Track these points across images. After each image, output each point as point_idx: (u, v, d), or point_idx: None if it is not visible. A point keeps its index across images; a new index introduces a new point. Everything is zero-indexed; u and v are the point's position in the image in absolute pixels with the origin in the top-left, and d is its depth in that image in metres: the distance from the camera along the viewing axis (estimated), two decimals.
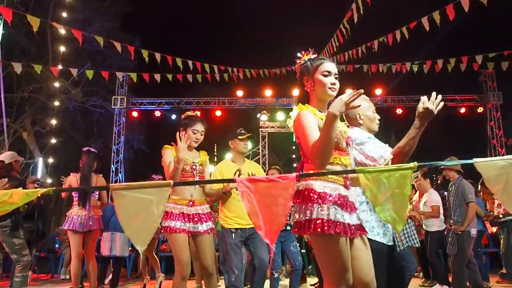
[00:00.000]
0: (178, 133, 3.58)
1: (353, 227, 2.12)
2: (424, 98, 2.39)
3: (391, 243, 2.73)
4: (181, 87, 13.08)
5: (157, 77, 11.47)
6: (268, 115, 15.00)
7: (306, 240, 7.11)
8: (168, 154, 3.56)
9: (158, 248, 8.58)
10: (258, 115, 15.02)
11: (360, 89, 1.98)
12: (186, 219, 3.47)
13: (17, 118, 15.63)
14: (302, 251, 7.08)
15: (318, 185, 2.10)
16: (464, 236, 5.02)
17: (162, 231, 3.51)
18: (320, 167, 2.10)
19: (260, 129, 15.52)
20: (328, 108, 2.09)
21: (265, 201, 1.90)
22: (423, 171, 6.83)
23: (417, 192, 7.11)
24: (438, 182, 7.53)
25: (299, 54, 2.40)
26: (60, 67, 11.56)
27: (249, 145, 4.57)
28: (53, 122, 14.36)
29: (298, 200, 2.11)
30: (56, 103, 14.40)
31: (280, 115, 14.91)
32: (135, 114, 15.58)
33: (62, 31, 9.91)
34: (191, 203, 3.54)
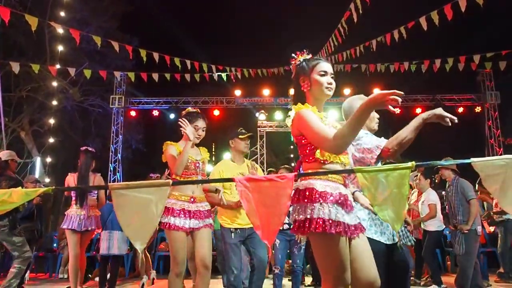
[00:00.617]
0: (179, 121, 3.57)
1: (352, 227, 2.13)
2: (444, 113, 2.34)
3: (389, 242, 2.74)
4: (179, 86, 13.10)
5: (155, 76, 11.47)
6: (266, 114, 15.02)
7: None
8: (172, 148, 3.57)
9: (156, 247, 8.58)
10: (257, 115, 15.04)
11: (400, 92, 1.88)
12: (187, 216, 3.48)
13: (15, 118, 15.58)
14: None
15: (319, 184, 2.10)
16: (471, 235, 5.01)
17: (161, 226, 3.48)
18: (337, 153, 2.12)
19: (258, 129, 15.51)
20: (322, 108, 2.10)
21: (263, 201, 1.91)
22: (421, 170, 6.86)
23: (415, 192, 7.12)
24: (436, 181, 7.55)
25: (293, 55, 2.40)
26: (58, 66, 11.55)
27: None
28: (51, 121, 14.33)
29: (298, 200, 2.12)
30: (54, 103, 14.35)
31: (278, 115, 14.92)
32: (133, 113, 15.57)
33: (60, 30, 9.88)
34: (192, 199, 3.56)
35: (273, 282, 4.93)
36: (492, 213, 7.13)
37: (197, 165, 3.66)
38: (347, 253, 2.09)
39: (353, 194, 2.46)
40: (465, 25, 12.83)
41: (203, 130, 3.74)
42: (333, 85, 2.30)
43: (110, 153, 15.12)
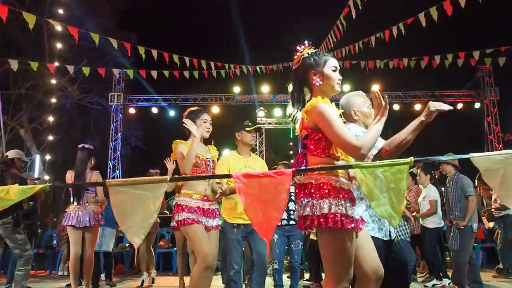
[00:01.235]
0: (183, 119, 3.58)
1: (359, 221, 2.17)
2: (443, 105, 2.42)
3: (387, 238, 2.74)
4: (178, 83, 13.07)
5: (154, 73, 11.44)
6: (265, 111, 15.01)
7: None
8: (182, 147, 3.55)
9: (155, 244, 8.58)
10: (256, 111, 15.04)
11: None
12: (201, 213, 3.48)
13: (14, 115, 15.57)
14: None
15: (334, 180, 2.08)
16: (466, 231, 5.00)
17: (177, 225, 3.44)
18: (361, 159, 2.10)
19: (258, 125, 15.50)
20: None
21: (261, 197, 1.91)
22: (420, 166, 6.87)
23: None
24: (436, 177, 7.55)
25: (298, 48, 2.35)
26: (56, 64, 11.53)
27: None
28: (50, 119, 14.33)
29: (311, 194, 2.06)
30: (53, 100, 14.35)
31: (277, 111, 14.93)
32: (132, 110, 15.57)
33: (59, 28, 9.85)
34: (205, 197, 3.57)
35: (273, 277, 4.94)
36: (492, 209, 7.14)
37: (208, 163, 3.65)
38: (354, 249, 2.11)
39: None
40: (464, 21, 12.79)
41: (210, 123, 3.78)
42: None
43: (109, 151, 15.13)
